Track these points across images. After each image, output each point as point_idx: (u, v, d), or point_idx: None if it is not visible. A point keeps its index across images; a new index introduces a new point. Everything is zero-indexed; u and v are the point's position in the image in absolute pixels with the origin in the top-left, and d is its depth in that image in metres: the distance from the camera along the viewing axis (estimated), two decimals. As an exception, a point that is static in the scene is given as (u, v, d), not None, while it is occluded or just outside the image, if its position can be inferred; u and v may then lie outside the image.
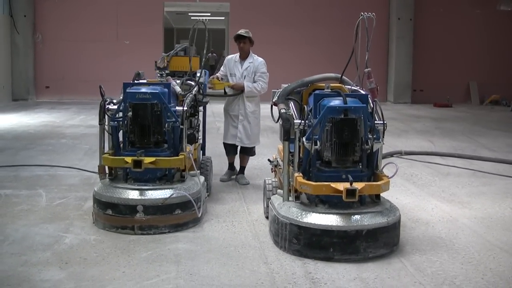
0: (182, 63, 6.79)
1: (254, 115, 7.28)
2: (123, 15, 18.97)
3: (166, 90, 5.76)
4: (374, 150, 5.05)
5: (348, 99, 4.96)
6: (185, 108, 5.81)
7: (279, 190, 5.39)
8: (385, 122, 5.07)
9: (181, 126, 5.71)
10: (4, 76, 17.81)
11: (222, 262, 4.64)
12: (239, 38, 7.17)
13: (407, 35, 19.16)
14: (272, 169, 6.38)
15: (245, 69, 7.20)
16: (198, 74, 6.55)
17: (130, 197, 5.30)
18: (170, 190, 5.39)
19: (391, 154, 9.18)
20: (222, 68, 7.39)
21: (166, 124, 5.57)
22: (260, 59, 7.26)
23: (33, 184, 7.14)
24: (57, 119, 14.09)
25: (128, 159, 5.35)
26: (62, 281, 4.24)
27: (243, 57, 7.27)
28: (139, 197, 5.30)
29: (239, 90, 7.15)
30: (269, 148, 9.52)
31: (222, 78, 7.21)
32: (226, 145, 7.39)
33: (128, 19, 18.92)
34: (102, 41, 18.93)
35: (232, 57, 7.39)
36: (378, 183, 4.91)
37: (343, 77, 5.69)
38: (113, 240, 5.11)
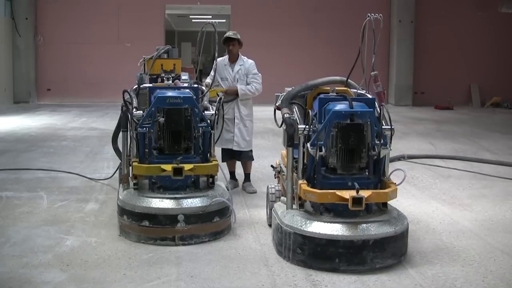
0: (166, 65, 6.43)
1: (249, 118, 7.12)
2: (124, 17, 19.00)
3: (194, 94, 5.55)
4: (381, 156, 4.86)
5: (354, 103, 4.79)
6: (216, 112, 5.63)
7: (282, 198, 5.25)
8: (392, 127, 4.89)
9: (212, 131, 5.55)
10: (6, 78, 17.84)
11: (223, 265, 4.64)
12: (228, 41, 7.00)
13: (408, 37, 19.17)
14: (275, 175, 6.21)
15: (236, 72, 7.02)
16: (184, 77, 6.32)
17: (170, 206, 5.09)
18: (207, 197, 5.23)
19: (397, 158, 9.08)
20: (211, 73, 7.04)
21: (196, 130, 5.38)
22: (250, 60, 7.10)
23: (34, 187, 7.14)
24: (58, 121, 14.10)
25: (167, 167, 5.11)
26: (63, 283, 4.24)
27: (233, 60, 7.09)
28: (179, 206, 5.10)
29: (233, 95, 6.98)
30: (270, 151, 9.52)
31: (211, 85, 6.76)
32: (222, 150, 7.19)
33: (129, 21, 18.94)
34: (103, 44, 18.96)
35: (221, 61, 7.17)
36: (386, 190, 4.75)
37: (348, 80, 5.51)
38: (114, 243, 5.11)
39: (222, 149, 7.19)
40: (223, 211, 5.30)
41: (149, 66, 6.38)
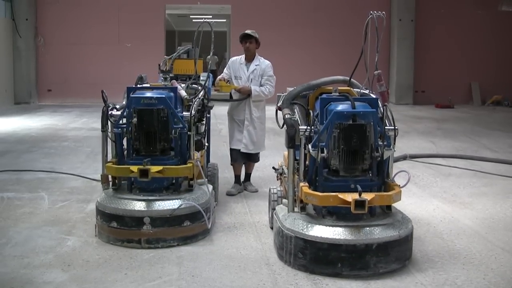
0: (186, 66, 6.50)
1: (260, 120, 6.98)
2: (124, 18, 19.01)
3: (172, 94, 5.47)
4: (384, 157, 4.71)
5: (356, 103, 4.66)
6: (193, 113, 5.51)
7: (284, 200, 5.12)
8: (396, 127, 4.80)
9: (188, 133, 5.43)
10: (6, 79, 17.85)
11: (224, 264, 4.65)
12: (245, 38, 6.88)
13: (408, 36, 19.16)
14: (277, 177, 6.10)
15: (251, 72, 6.88)
16: (203, 78, 6.30)
17: (136, 208, 5.01)
18: (178, 200, 5.12)
19: (402, 158, 9.02)
20: (225, 70, 7.06)
21: (173, 131, 5.28)
22: (267, 61, 6.96)
23: (36, 187, 7.16)
24: (59, 122, 14.12)
25: (134, 168, 5.03)
26: (65, 283, 4.25)
27: (249, 59, 6.96)
28: (146, 209, 5.01)
29: (245, 94, 6.85)
30: (271, 151, 9.50)
31: (228, 81, 6.90)
32: (232, 151, 7.09)
33: (129, 22, 18.95)
34: (103, 44, 18.97)
35: (237, 59, 7.07)
36: (389, 193, 4.62)
37: (351, 80, 5.42)
38: (115, 242, 5.12)
39: (232, 149, 7.08)
40: (196, 215, 5.13)
41: (169, 65, 6.33)
